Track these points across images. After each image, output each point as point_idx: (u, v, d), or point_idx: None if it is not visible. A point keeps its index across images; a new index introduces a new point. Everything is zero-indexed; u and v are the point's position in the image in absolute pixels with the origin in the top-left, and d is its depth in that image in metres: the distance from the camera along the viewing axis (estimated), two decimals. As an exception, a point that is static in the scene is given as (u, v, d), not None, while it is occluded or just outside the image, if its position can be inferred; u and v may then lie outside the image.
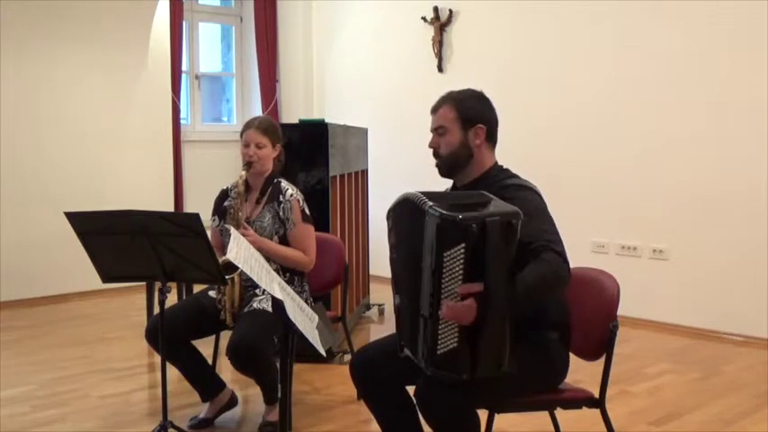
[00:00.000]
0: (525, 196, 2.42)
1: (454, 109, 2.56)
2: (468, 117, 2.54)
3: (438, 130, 2.58)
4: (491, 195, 2.29)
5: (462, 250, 2.11)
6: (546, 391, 2.52)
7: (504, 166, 2.62)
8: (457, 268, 2.13)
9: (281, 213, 3.43)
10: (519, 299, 2.19)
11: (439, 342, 2.18)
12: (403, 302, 2.39)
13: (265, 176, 3.51)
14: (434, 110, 2.62)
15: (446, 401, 2.29)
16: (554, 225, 2.40)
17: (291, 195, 3.46)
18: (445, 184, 2.72)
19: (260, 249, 3.27)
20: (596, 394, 2.54)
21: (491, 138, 2.58)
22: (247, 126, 3.50)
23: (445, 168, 2.58)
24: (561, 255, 2.30)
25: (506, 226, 2.14)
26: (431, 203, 2.18)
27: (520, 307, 2.22)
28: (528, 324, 2.35)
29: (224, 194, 3.59)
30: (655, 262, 5.39)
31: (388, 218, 2.44)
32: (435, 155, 2.59)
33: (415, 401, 2.39)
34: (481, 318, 2.13)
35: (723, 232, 5.05)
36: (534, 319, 2.39)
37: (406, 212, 2.32)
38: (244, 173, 3.42)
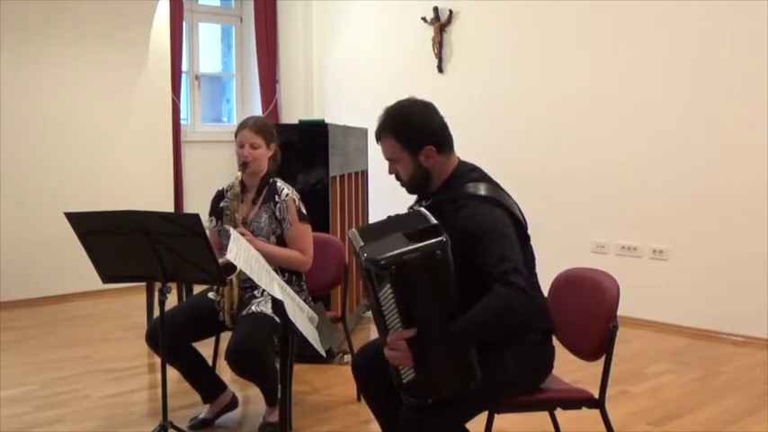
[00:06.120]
0: (482, 214, 2.30)
1: (394, 139, 2.42)
2: (411, 144, 2.41)
3: (390, 160, 2.48)
4: (433, 219, 2.19)
5: (390, 290, 2.11)
6: (531, 390, 2.51)
7: (468, 163, 2.51)
8: (392, 306, 2.13)
9: (277, 213, 3.43)
10: (464, 336, 2.16)
11: (402, 373, 2.22)
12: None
13: (261, 177, 3.50)
14: (378, 139, 2.49)
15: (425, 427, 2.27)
16: (513, 245, 2.28)
17: (287, 195, 3.46)
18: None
19: None
20: (596, 394, 2.54)
21: (443, 149, 2.44)
22: (241, 126, 3.50)
23: (410, 190, 2.54)
24: (516, 285, 2.19)
25: (428, 259, 2.08)
26: (361, 244, 2.18)
27: (473, 340, 2.19)
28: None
29: (220, 195, 3.59)
30: (655, 262, 5.39)
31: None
32: (397, 178, 2.51)
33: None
34: (420, 356, 2.13)
35: (723, 232, 5.05)
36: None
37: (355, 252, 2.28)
38: (240, 174, 3.42)
